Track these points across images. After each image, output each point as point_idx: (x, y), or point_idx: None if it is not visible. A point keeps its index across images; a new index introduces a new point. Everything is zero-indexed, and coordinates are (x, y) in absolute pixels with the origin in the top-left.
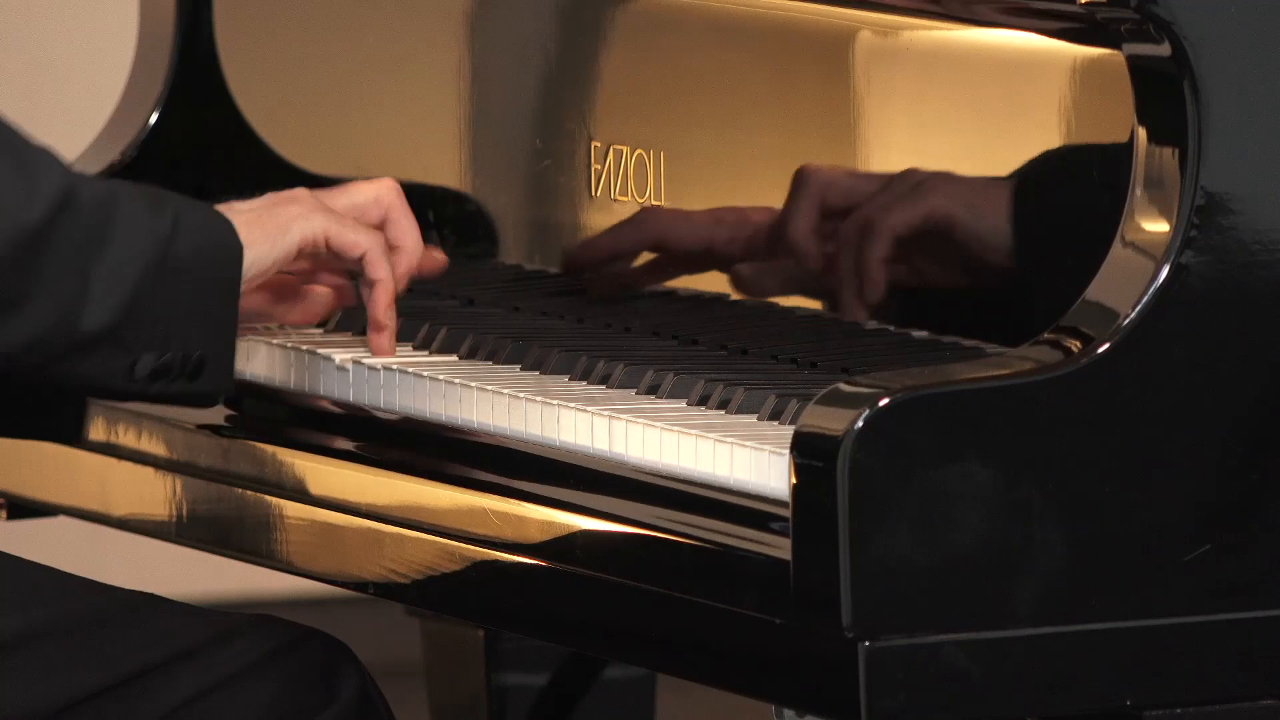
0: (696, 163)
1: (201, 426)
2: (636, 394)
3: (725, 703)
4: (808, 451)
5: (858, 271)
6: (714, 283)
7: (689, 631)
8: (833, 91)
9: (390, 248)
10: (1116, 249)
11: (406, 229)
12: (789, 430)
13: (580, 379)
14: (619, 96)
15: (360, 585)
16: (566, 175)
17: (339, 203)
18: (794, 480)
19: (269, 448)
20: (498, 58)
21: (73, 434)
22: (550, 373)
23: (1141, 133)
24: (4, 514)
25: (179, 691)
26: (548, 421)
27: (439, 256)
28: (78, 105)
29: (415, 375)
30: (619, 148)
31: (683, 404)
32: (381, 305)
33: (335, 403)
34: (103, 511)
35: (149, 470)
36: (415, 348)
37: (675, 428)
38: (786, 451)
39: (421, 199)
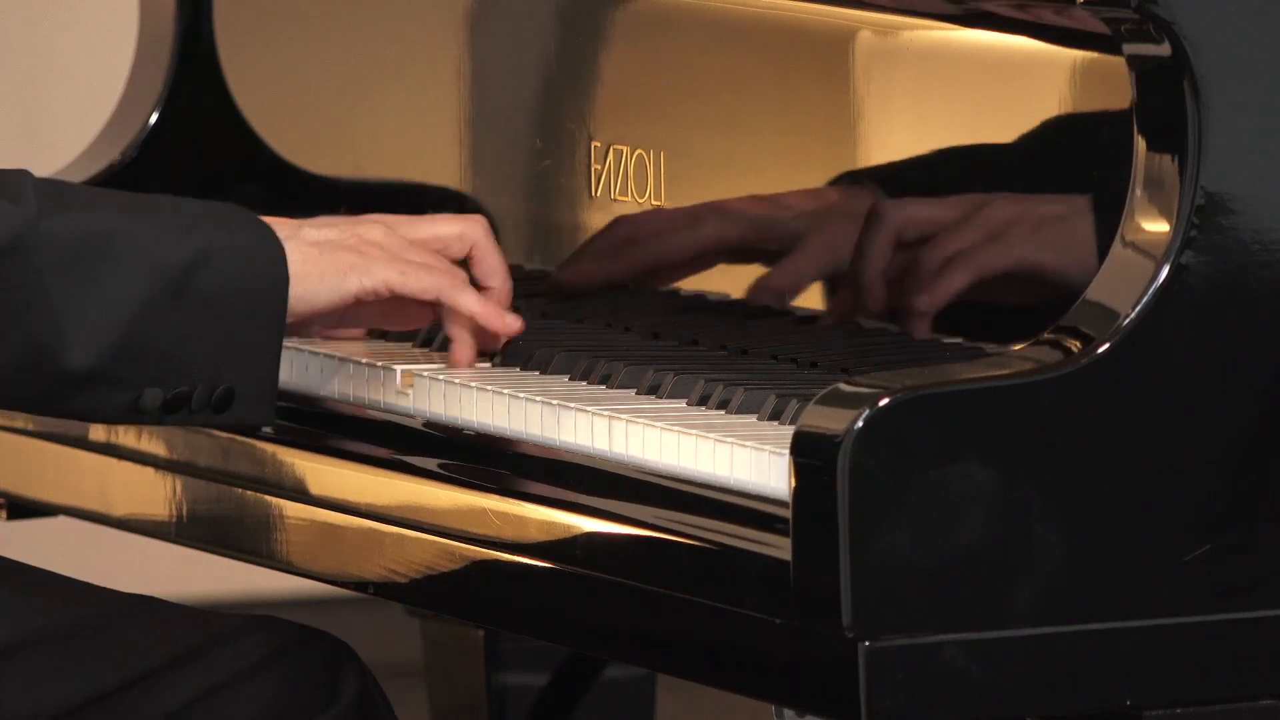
0: (696, 163)
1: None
2: (637, 394)
3: (725, 703)
4: (808, 451)
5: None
6: (714, 283)
7: (689, 631)
8: (833, 91)
9: (479, 287)
10: (1116, 249)
11: (494, 267)
12: (789, 430)
13: (581, 379)
14: (619, 96)
15: (360, 585)
16: (566, 175)
17: (421, 232)
18: (794, 480)
19: (269, 447)
20: (498, 58)
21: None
22: (550, 373)
23: (1141, 133)
24: (4, 514)
25: (179, 695)
26: (548, 422)
27: (515, 324)
28: (78, 105)
29: (415, 376)
30: (619, 148)
31: (683, 404)
32: (464, 353)
33: (335, 402)
34: (103, 511)
35: (149, 470)
36: (416, 347)
37: (675, 428)
38: (786, 451)
39: (421, 199)
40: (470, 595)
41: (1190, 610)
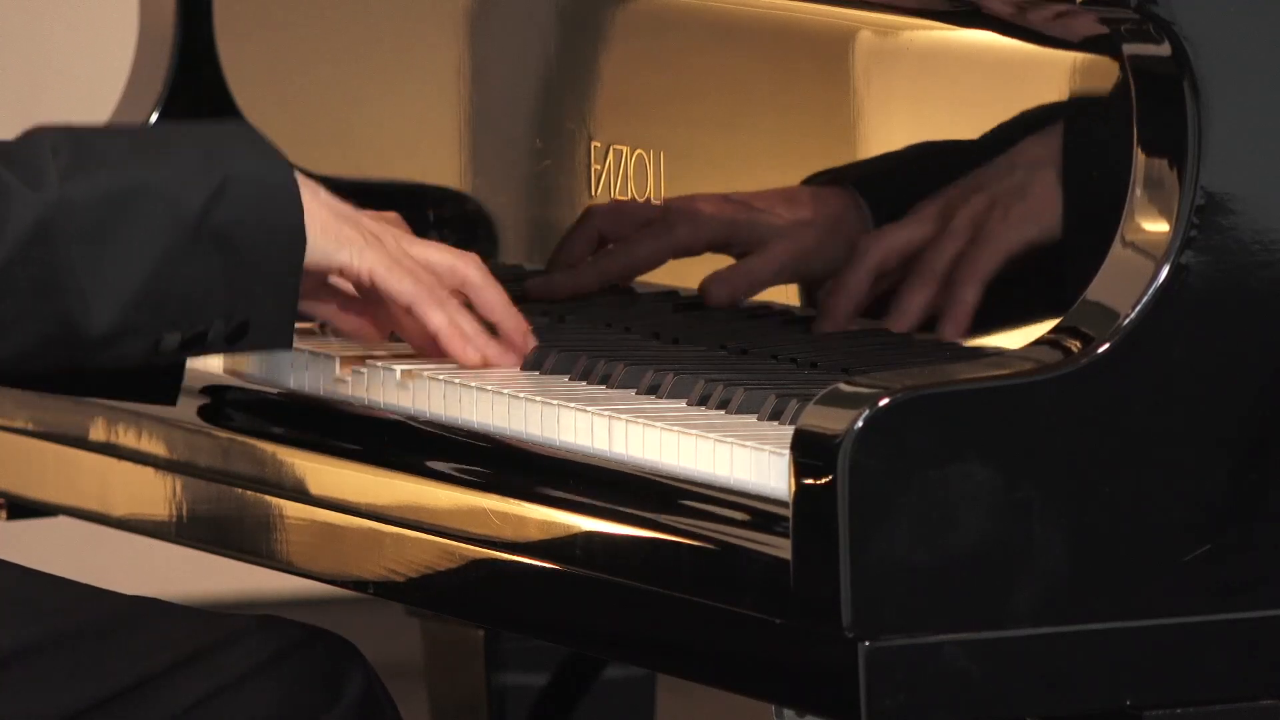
0: (696, 163)
1: (201, 427)
2: (637, 394)
3: (725, 703)
4: (808, 451)
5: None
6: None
7: (689, 631)
8: (833, 91)
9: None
10: (1116, 249)
11: (491, 302)
12: (789, 430)
13: (580, 379)
14: (619, 96)
15: (360, 585)
16: (566, 175)
17: (415, 250)
18: (794, 480)
19: (269, 447)
20: (498, 58)
21: (170, 397)
22: (550, 373)
23: (1141, 133)
24: (4, 514)
25: (185, 697)
26: (548, 421)
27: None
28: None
29: (415, 375)
30: (619, 148)
31: (683, 404)
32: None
33: (336, 402)
34: (103, 511)
35: (149, 470)
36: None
37: (675, 428)
38: (786, 451)
39: (421, 199)
40: (470, 595)
41: (1190, 610)
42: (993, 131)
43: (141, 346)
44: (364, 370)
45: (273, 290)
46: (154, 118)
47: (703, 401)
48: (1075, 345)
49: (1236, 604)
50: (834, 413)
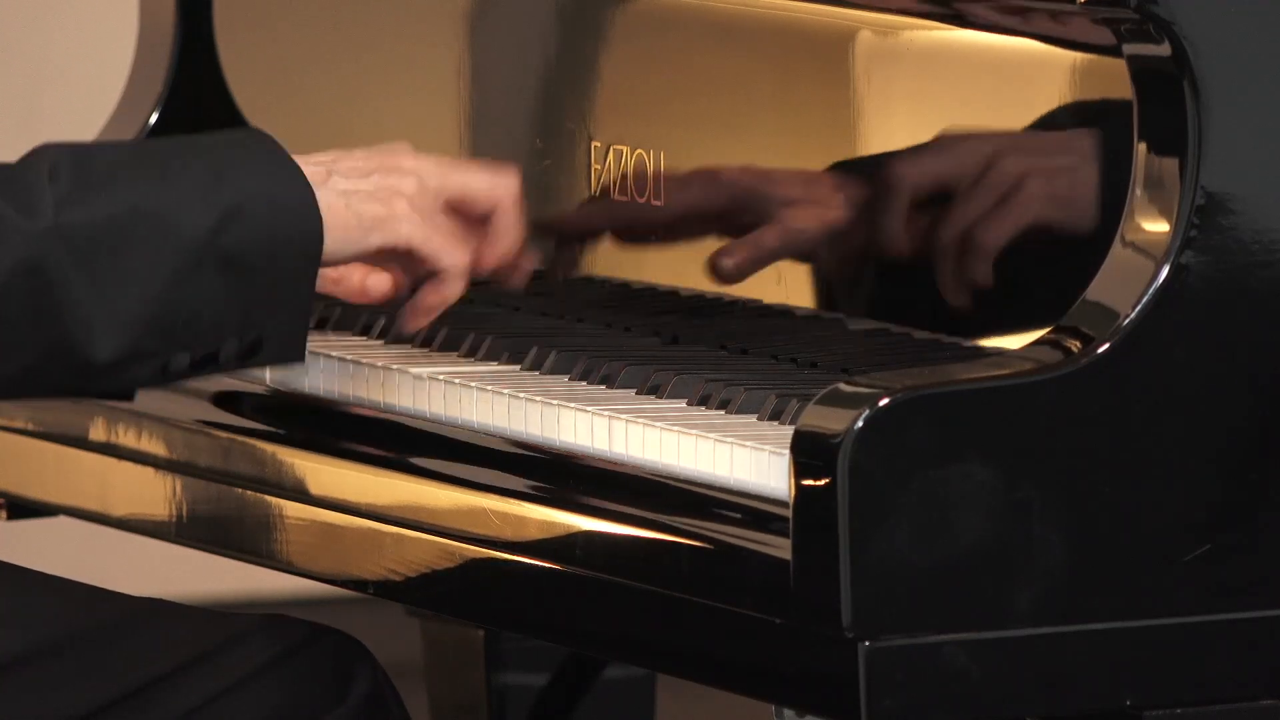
0: (696, 163)
1: (201, 427)
2: (637, 394)
3: (725, 703)
4: (808, 451)
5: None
6: (714, 283)
7: (689, 631)
8: (833, 91)
9: (489, 239)
10: (1116, 249)
11: (506, 229)
12: (789, 430)
13: (581, 379)
14: (619, 96)
15: (360, 585)
16: (566, 175)
17: (452, 182)
18: (794, 480)
19: (269, 447)
20: (498, 58)
21: (127, 393)
22: (550, 373)
23: (1141, 133)
24: (4, 514)
25: (191, 697)
26: (548, 422)
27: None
28: (78, 105)
29: (415, 375)
30: (619, 148)
31: (683, 404)
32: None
33: (336, 402)
34: (103, 511)
35: (149, 470)
36: (415, 347)
37: (676, 428)
38: (786, 451)
39: None
40: (470, 595)
41: (1190, 610)
42: (992, 132)
43: (150, 370)
44: (364, 370)
45: (286, 305)
46: (154, 117)
47: (703, 401)
48: (1075, 345)
49: (1236, 604)
50: (834, 413)
